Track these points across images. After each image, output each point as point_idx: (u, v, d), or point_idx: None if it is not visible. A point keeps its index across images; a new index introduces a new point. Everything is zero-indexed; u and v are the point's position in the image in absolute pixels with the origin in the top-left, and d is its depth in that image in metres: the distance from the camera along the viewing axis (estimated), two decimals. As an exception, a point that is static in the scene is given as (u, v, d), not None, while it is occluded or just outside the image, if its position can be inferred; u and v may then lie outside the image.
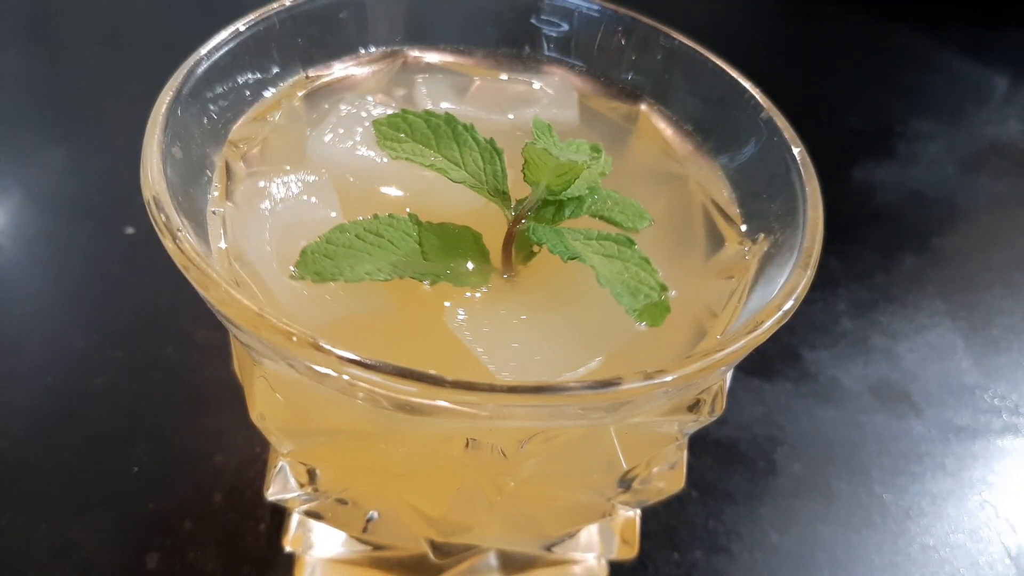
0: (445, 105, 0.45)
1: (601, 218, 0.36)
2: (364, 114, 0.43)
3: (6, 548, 0.50)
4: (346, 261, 0.32)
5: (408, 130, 0.37)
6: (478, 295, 0.35)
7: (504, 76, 0.49)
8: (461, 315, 0.34)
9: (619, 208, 0.37)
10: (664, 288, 0.32)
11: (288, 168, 0.41)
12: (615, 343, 0.34)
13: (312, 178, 0.40)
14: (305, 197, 0.39)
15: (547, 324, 0.34)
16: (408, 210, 0.35)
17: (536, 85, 0.48)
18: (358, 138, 0.42)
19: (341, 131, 0.42)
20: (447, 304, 0.34)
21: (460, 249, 0.35)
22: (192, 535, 0.52)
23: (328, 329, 0.34)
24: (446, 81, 0.48)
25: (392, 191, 0.41)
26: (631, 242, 0.33)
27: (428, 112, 0.37)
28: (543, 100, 0.47)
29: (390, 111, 0.37)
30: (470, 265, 0.35)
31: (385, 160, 0.37)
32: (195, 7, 0.99)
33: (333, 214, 0.38)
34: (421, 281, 0.33)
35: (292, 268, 0.33)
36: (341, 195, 0.39)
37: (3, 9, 0.98)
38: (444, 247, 0.35)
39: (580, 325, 0.34)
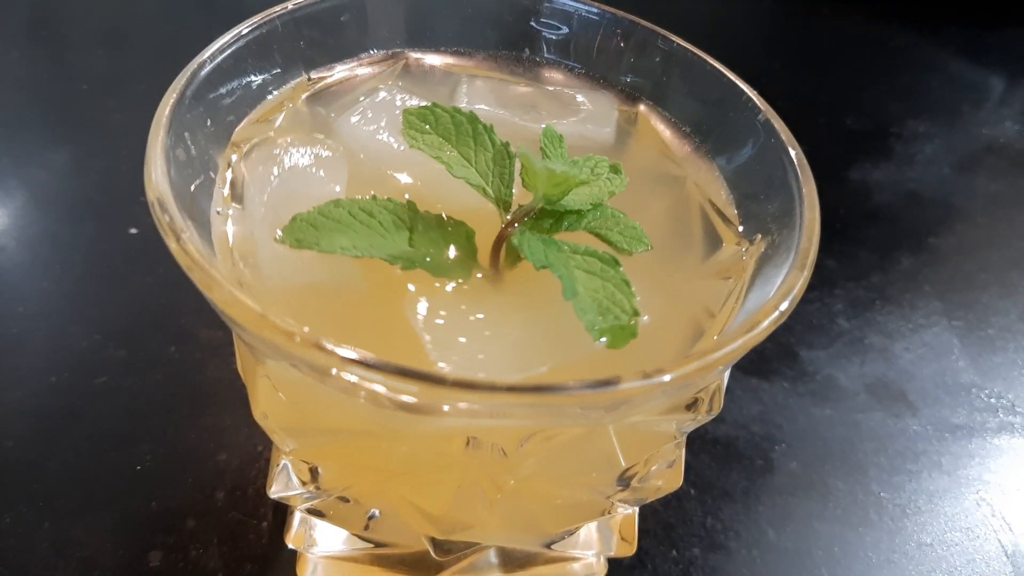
0: (481, 106, 0.46)
1: (598, 235, 0.36)
2: (398, 102, 0.44)
3: (9, 547, 0.50)
4: (328, 234, 0.33)
5: (434, 122, 0.37)
6: (449, 288, 0.35)
7: (550, 88, 0.49)
8: (421, 301, 0.34)
9: (619, 229, 0.37)
10: (636, 313, 0.32)
11: (291, 139, 0.42)
12: (567, 356, 0.33)
13: (327, 153, 0.41)
14: (314, 169, 0.40)
15: (501, 326, 0.34)
16: (407, 196, 0.36)
17: (580, 98, 0.48)
18: (383, 123, 0.43)
19: (370, 114, 0.43)
20: (411, 287, 0.35)
21: (448, 242, 0.36)
22: (194, 533, 0.52)
23: (291, 294, 0.35)
24: (488, 84, 0.48)
25: (404, 178, 0.41)
26: (616, 263, 0.33)
27: (456, 108, 0.38)
28: (580, 114, 0.47)
29: (424, 103, 0.38)
30: (453, 259, 0.36)
31: (402, 148, 0.38)
32: (198, 9, 1.00)
33: (337, 188, 0.39)
34: (393, 264, 0.34)
35: (278, 231, 0.34)
36: (353, 174, 0.40)
37: (4, 9, 0.98)
38: (433, 237, 0.35)
39: (535, 333, 0.34)
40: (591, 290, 0.32)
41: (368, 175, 0.41)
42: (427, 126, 0.37)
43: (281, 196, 0.39)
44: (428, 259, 0.35)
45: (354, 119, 0.43)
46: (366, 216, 0.34)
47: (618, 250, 0.36)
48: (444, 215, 0.36)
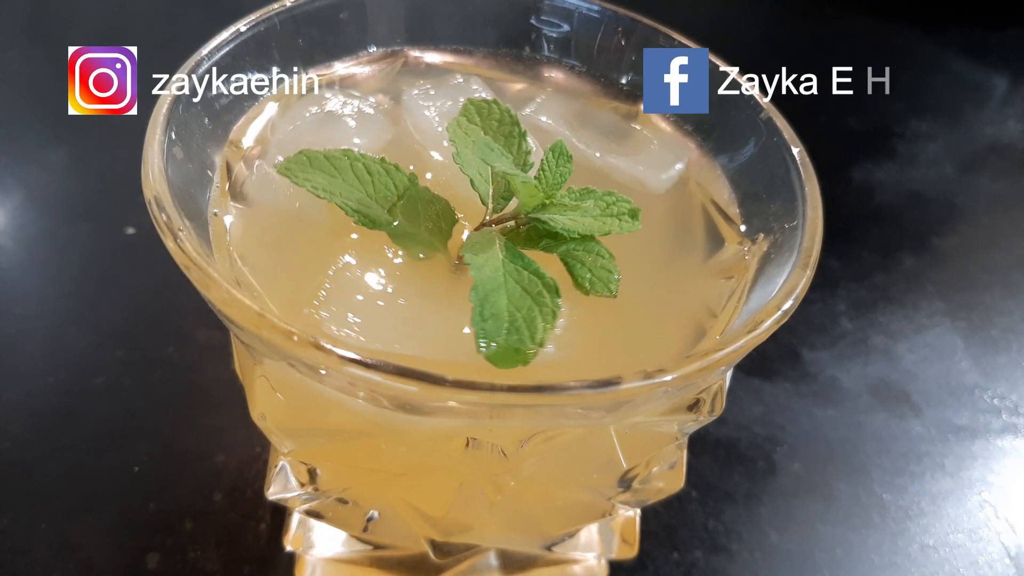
0: (544, 118, 0.46)
1: (567, 266, 0.35)
2: (472, 88, 0.45)
3: (7, 548, 0.50)
4: (314, 172, 0.34)
5: (486, 115, 0.38)
6: (389, 253, 0.36)
7: (636, 126, 0.47)
8: (350, 255, 0.35)
9: (591, 266, 0.35)
10: (541, 345, 0.30)
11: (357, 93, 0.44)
12: (442, 354, 0.33)
13: (370, 111, 0.43)
14: (348, 120, 0.42)
15: (401, 304, 0.34)
16: (412, 168, 0.37)
17: (654, 143, 0.46)
18: (439, 103, 0.44)
19: (432, 92, 0.45)
20: (353, 236, 0.36)
21: (427, 219, 0.36)
22: (193, 535, 0.52)
23: (260, 209, 0.39)
24: (566, 102, 0.48)
25: (435, 155, 0.42)
26: (557, 292, 0.32)
27: (507, 109, 0.38)
28: (640, 155, 0.45)
29: (490, 97, 0.40)
30: (419, 235, 0.36)
31: (441, 129, 0.39)
32: (196, 7, 0.99)
33: (357, 141, 0.41)
34: (349, 215, 0.34)
35: (279, 157, 0.35)
36: (392, 139, 0.42)
37: (3, 9, 0.98)
38: (414, 210, 0.36)
39: (427, 323, 0.34)
40: (515, 307, 0.31)
41: (403, 143, 0.42)
42: (478, 117, 0.38)
43: (305, 131, 0.41)
44: (395, 224, 0.35)
45: (416, 91, 0.45)
46: (364, 172, 0.35)
47: (578, 286, 0.34)
48: (440, 196, 0.37)
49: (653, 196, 0.44)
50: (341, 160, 0.35)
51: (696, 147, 0.46)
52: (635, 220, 0.36)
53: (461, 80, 0.46)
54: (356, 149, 0.36)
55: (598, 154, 0.43)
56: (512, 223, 0.36)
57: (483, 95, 0.44)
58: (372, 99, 0.45)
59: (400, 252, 0.36)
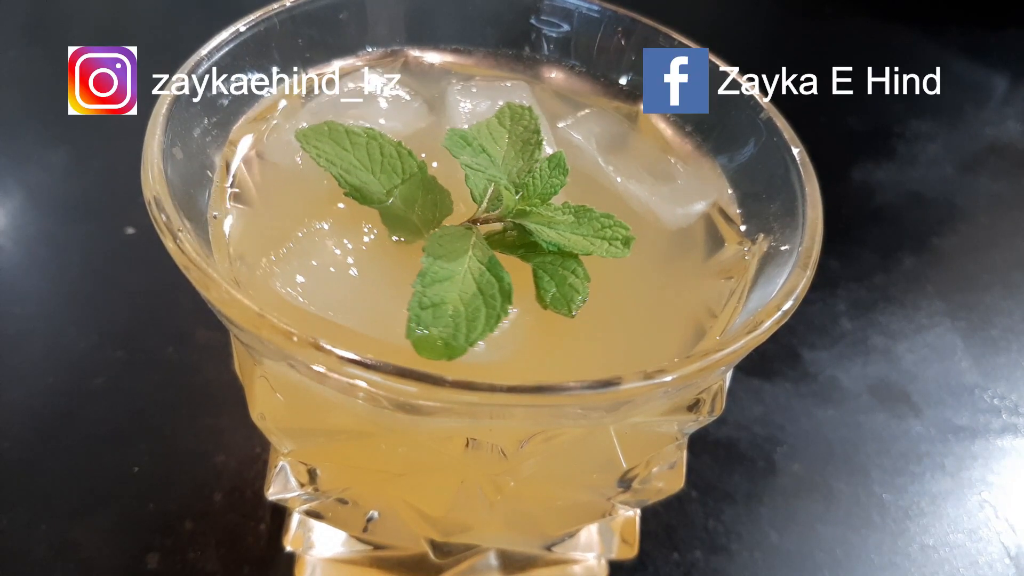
0: (575, 134, 0.46)
1: (535, 276, 0.35)
2: (516, 98, 0.45)
3: (6, 548, 0.50)
4: (327, 143, 0.36)
5: (517, 119, 0.39)
6: (365, 228, 0.36)
7: (671, 158, 0.46)
8: (323, 222, 0.36)
9: (559, 283, 0.34)
10: (472, 345, 0.30)
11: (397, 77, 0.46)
12: (372, 330, 0.33)
13: (407, 97, 0.45)
14: (381, 100, 0.44)
15: (351, 277, 0.35)
16: (423, 155, 0.37)
17: (681, 179, 0.45)
18: (476, 101, 0.45)
19: (475, 90, 0.46)
20: (340, 206, 0.37)
21: (422, 206, 0.36)
22: (192, 535, 0.52)
23: (265, 165, 0.41)
24: (605, 123, 0.47)
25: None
26: (508, 299, 0.32)
27: (537, 118, 0.39)
28: (663, 186, 0.44)
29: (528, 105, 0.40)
30: (407, 218, 0.36)
31: (467, 126, 0.39)
32: (196, 7, 0.99)
33: (381, 121, 0.42)
34: (341, 187, 0.35)
35: (304, 123, 0.37)
36: (425, 127, 0.44)
37: (3, 9, 0.98)
38: (413, 194, 0.36)
39: (370, 301, 0.34)
40: (464, 302, 0.31)
41: (433, 133, 0.43)
42: (509, 121, 0.39)
43: (339, 104, 0.43)
44: (390, 202, 0.36)
45: (459, 87, 0.46)
46: (377, 152, 0.36)
47: (539, 298, 0.34)
48: (443, 188, 0.37)
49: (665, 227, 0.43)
50: (359, 136, 0.36)
51: (695, 147, 0.46)
52: (626, 247, 0.35)
53: (509, 84, 0.47)
54: (383, 130, 0.37)
55: (619, 178, 0.43)
56: (499, 225, 0.36)
57: (523, 102, 0.44)
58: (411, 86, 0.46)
59: (375, 231, 0.36)
